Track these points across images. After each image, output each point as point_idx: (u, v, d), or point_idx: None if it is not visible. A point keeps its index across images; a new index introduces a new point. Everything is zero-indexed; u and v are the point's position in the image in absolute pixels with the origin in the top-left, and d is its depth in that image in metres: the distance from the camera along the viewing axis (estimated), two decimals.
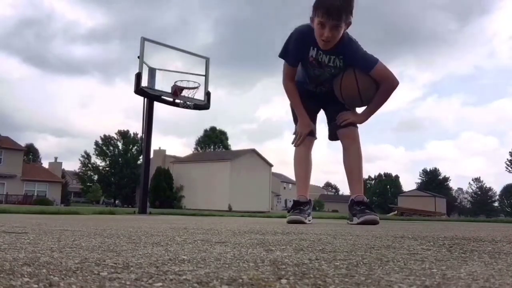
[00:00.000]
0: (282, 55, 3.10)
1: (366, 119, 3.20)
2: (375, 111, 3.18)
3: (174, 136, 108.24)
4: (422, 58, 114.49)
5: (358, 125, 3.24)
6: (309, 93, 3.29)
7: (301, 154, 3.32)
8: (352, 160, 3.25)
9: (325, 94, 3.28)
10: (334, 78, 3.11)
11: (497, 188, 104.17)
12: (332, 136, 3.38)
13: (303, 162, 3.33)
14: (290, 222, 3.04)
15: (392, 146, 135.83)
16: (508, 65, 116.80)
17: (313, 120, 3.37)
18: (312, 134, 3.32)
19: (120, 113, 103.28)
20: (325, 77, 3.13)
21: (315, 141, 3.41)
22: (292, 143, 3.40)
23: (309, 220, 3.20)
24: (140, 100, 8.37)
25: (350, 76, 3.02)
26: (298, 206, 3.17)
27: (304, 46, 3.01)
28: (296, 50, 3.04)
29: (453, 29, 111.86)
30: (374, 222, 2.94)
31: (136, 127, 65.31)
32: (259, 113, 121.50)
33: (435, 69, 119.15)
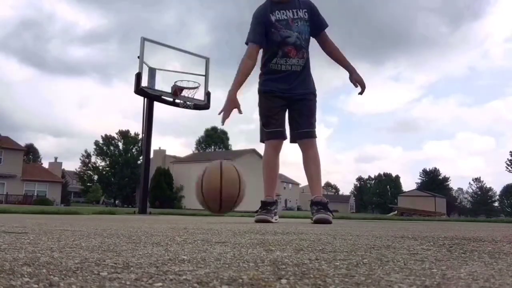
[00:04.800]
0: (250, 39, 3.32)
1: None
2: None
3: (174, 136, 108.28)
4: (416, 60, 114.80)
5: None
6: (279, 80, 3.35)
7: (269, 157, 3.45)
8: (311, 165, 3.39)
9: (293, 76, 3.34)
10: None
11: (497, 188, 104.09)
12: (292, 140, 3.47)
13: (271, 165, 3.46)
14: (257, 221, 3.23)
15: (390, 146, 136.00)
16: (502, 66, 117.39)
17: (282, 120, 3.43)
18: (281, 137, 3.39)
19: (119, 113, 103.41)
20: (293, 39, 3.29)
21: (288, 143, 3.47)
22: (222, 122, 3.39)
23: (276, 219, 3.39)
24: (139, 100, 8.36)
25: None
26: (266, 206, 3.37)
27: (264, 21, 3.27)
28: (260, 29, 3.29)
29: (446, 31, 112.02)
30: (326, 221, 3.08)
31: (135, 127, 65.27)
32: (258, 114, 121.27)
33: (430, 71, 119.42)
